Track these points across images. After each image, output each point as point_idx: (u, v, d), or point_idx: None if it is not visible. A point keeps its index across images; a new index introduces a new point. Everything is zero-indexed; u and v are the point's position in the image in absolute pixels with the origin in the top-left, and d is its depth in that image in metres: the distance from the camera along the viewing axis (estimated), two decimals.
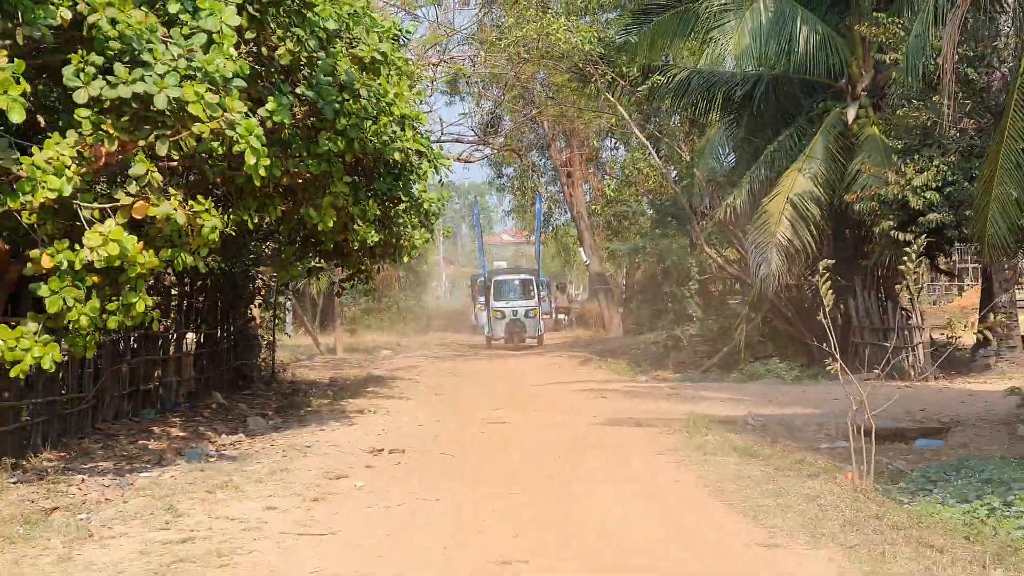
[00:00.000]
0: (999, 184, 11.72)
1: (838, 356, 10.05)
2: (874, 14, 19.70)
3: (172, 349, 17.06)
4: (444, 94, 30.59)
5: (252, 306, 21.78)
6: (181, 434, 13.61)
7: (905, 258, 10.25)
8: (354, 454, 11.90)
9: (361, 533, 8.04)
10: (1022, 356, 20.51)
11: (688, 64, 24.31)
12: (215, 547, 7.55)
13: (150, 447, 12.58)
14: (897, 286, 23.06)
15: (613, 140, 34.42)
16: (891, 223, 19.35)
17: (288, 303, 28.70)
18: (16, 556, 7.52)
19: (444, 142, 30.23)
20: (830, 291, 10.79)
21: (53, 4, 9.25)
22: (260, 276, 20.65)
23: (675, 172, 28.33)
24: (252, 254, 18.62)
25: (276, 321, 23.19)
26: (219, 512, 8.72)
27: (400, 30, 13.63)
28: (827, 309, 10.37)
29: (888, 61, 19.39)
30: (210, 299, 18.95)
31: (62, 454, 11.76)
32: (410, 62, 16.01)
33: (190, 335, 18.22)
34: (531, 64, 26.21)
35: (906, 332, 21.17)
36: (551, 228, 42.83)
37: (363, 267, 17.49)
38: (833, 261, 12.17)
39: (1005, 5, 12.78)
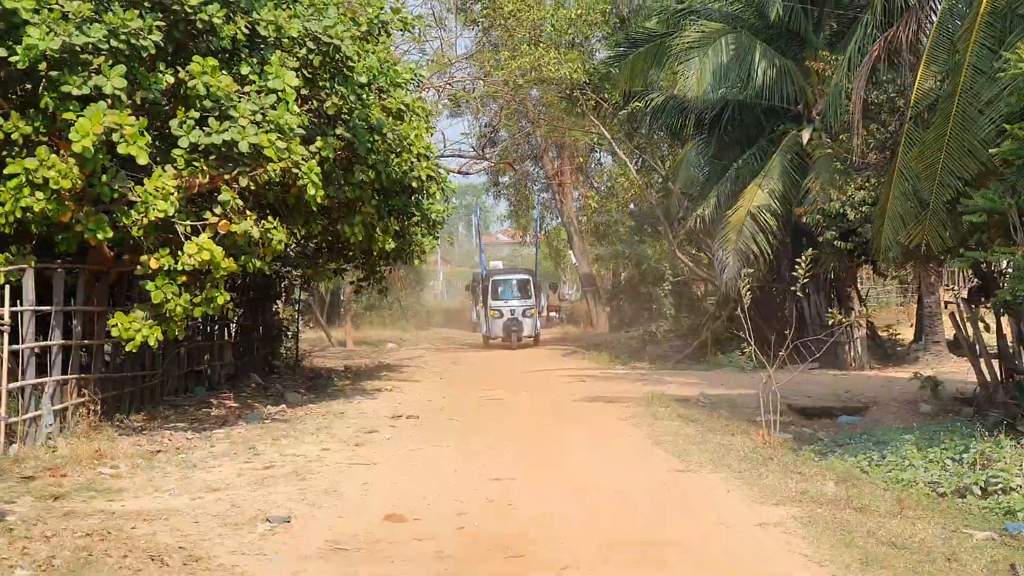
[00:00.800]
0: (891, 208, 14.80)
1: (752, 342, 13.14)
2: (821, 52, 22.72)
3: (216, 337, 20.11)
4: (446, 109, 33.50)
5: (278, 302, 24.80)
6: (234, 404, 16.65)
7: (797, 264, 13.27)
8: (379, 418, 15.02)
9: (395, 463, 11.15)
10: (944, 350, 23.56)
11: (665, 88, 27.23)
12: (292, 470, 10.65)
13: (212, 413, 15.64)
14: (849, 288, 26.14)
15: (600, 152, 37.38)
16: (833, 233, 22.32)
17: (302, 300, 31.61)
18: (148, 477, 10.57)
19: (446, 156, 33.29)
20: (748, 292, 13.92)
21: (161, 72, 12.32)
22: (286, 276, 23.60)
23: (659, 181, 31.29)
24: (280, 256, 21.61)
25: (299, 315, 26.20)
26: (287, 451, 11.81)
27: (416, 74, 16.72)
28: (744, 306, 13.47)
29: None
30: (245, 295, 21.96)
31: (145, 416, 14.81)
32: (419, 96, 19.05)
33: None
34: (525, 88, 29.30)
35: (848, 328, 24.28)
36: (543, 231, 45.79)
37: (378, 269, 20.58)
38: (752, 270, 15.11)
39: (900, 61, 15.85)
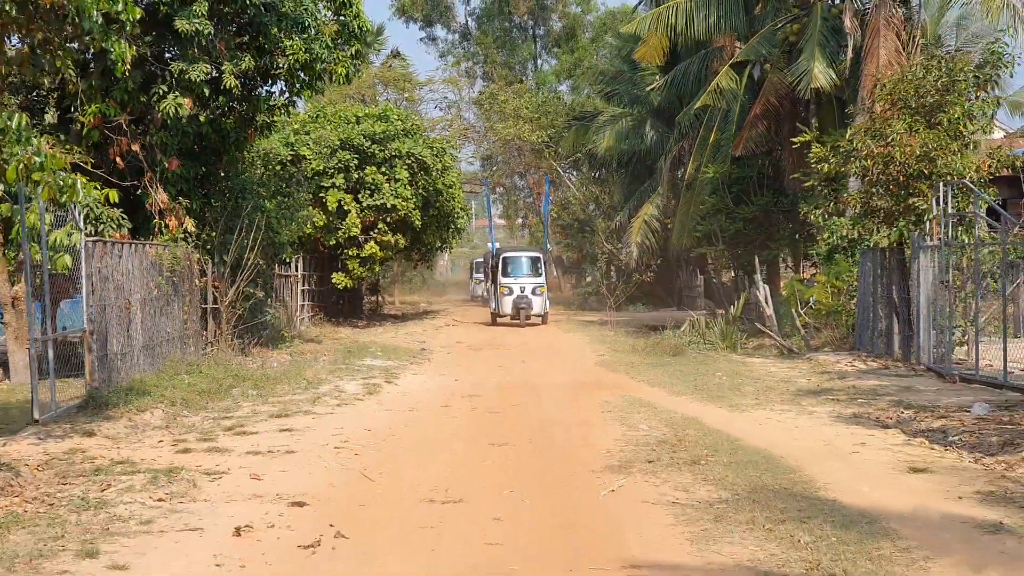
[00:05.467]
0: (677, 227, 31.93)
1: (608, 296, 30.24)
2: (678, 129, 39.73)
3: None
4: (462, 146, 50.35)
5: None
6: (365, 322, 33.75)
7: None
8: (440, 324, 32.36)
9: (456, 332, 28.59)
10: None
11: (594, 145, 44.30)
12: (417, 332, 27.97)
13: (358, 324, 32.80)
14: (711, 267, 43.33)
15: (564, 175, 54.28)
16: None
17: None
18: (364, 336, 27.72)
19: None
20: (601, 269, 31.02)
21: (355, 173, 29.39)
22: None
23: (596, 197, 48.53)
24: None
25: (378, 282, 43.27)
26: (411, 330, 29.13)
27: (454, 156, 33.88)
28: (601, 277, 30.55)
29: None
30: None
31: (332, 323, 31.88)
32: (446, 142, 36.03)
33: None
34: (511, 141, 46.59)
35: (702, 292, 41.60)
36: (526, 228, 62.64)
37: (428, 257, 37.83)
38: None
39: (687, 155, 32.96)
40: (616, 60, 43.85)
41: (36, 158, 9.44)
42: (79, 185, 9.91)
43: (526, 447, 11.23)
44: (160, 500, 8.74)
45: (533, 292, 33.80)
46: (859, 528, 7.37)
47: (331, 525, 7.77)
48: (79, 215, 13.90)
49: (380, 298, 46.03)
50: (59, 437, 11.58)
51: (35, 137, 9.70)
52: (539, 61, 56.67)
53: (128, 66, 11.25)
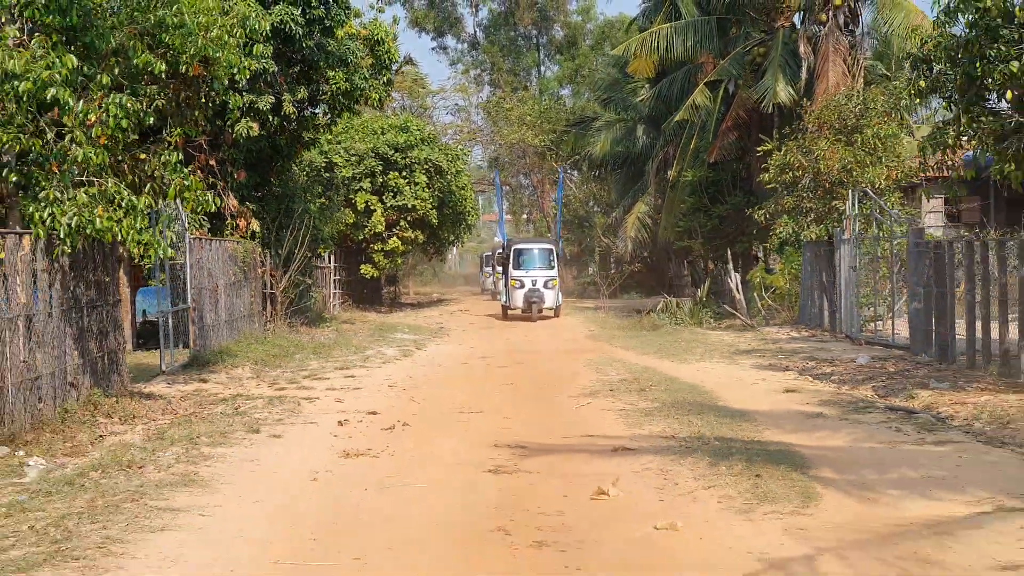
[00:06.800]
0: (663, 223, 36.20)
1: (602, 284, 34.50)
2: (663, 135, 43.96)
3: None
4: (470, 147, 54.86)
5: None
6: (388, 308, 38.13)
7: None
8: (454, 310, 36.74)
9: (468, 314, 32.92)
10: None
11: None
12: (434, 316, 32.33)
13: (381, 310, 37.17)
14: (696, 258, 47.59)
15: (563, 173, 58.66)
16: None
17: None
18: (390, 317, 32.09)
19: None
20: (596, 261, 35.31)
21: (379, 178, 33.79)
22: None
23: (595, 195, 52.84)
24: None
25: (396, 274, 47.64)
26: (429, 314, 33.50)
27: (466, 161, 38.23)
28: (598, 268, 34.84)
29: None
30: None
31: (359, 308, 36.25)
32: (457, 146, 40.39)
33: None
34: (516, 145, 50.98)
35: (690, 281, 45.85)
36: (531, 223, 67.05)
37: (443, 250, 42.17)
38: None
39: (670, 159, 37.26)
40: (612, 69, 48.09)
41: (185, 182, 13.77)
42: (211, 199, 14.24)
43: (526, 385, 15.60)
44: (279, 412, 13.09)
45: (545, 285, 32.96)
46: (733, 417, 11.71)
47: (398, 420, 12.12)
48: (185, 219, 18.30)
49: (398, 288, 50.46)
50: (182, 383, 15.91)
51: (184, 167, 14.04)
52: (542, 68, 61.06)
53: (240, 111, 15.54)
